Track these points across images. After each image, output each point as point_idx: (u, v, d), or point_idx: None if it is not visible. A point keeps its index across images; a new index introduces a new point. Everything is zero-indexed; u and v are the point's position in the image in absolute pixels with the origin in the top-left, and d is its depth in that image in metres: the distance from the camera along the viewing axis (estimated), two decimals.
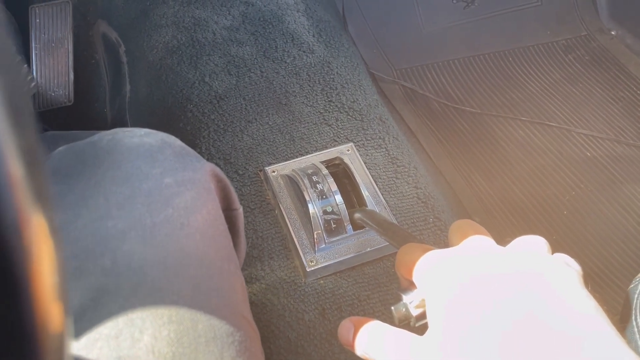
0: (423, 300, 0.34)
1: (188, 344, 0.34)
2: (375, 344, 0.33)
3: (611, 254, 0.99)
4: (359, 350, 0.34)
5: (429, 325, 0.30)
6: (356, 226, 0.71)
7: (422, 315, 0.34)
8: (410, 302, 0.34)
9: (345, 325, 0.34)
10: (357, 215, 0.63)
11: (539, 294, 0.25)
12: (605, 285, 0.95)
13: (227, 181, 0.49)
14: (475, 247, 0.31)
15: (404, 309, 0.34)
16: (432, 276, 0.30)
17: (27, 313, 0.11)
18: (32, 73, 0.64)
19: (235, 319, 0.38)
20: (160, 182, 0.41)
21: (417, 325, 0.35)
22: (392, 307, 0.35)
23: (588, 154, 1.14)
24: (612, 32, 1.37)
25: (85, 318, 0.34)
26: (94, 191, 0.40)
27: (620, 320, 0.57)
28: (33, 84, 0.62)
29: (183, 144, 0.47)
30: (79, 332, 0.34)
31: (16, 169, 0.10)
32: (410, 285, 0.35)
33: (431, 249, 0.32)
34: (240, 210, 0.52)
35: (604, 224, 1.03)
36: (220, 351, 0.35)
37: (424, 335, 0.32)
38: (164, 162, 0.42)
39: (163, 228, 0.39)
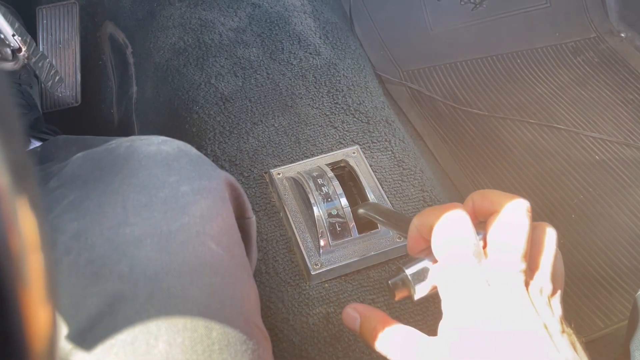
0: (425, 269, 0.34)
1: (202, 352, 0.34)
2: (382, 340, 0.34)
3: (619, 259, 0.98)
4: (364, 340, 0.35)
5: (444, 322, 0.31)
6: (361, 229, 0.70)
7: (424, 290, 0.35)
8: (412, 272, 0.34)
9: (351, 314, 0.35)
10: (360, 210, 0.63)
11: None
12: (613, 290, 0.94)
13: (241, 190, 0.50)
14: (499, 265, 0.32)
15: (402, 282, 0.34)
16: (453, 278, 0.32)
17: (15, 318, 0.11)
18: (55, 67, 0.64)
19: (249, 327, 0.38)
20: (177, 190, 0.41)
21: (417, 299, 0.35)
22: (390, 281, 0.35)
23: (596, 157, 1.13)
24: (622, 34, 1.36)
25: (101, 324, 0.34)
26: (111, 198, 0.40)
27: (629, 326, 0.56)
28: (58, 77, 0.63)
29: (199, 153, 0.47)
30: (95, 338, 0.34)
31: (2, 178, 0.10)
32: (420, 253, 0.35)
33: (452, 209, 0.32)
34: (254, 219, 0.52)
35: (613, 227, 1.02)
36: (233, 359, 0.35)
37: (434, 337, 0.33)
38: (180, 171, 0.43)
39: (179, 236, 0.39)
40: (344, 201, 0.70)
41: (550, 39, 1.35)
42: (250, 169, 0.79)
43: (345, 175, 0.76)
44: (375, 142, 0.83)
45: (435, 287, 0.35)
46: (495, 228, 0.32)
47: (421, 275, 0.34)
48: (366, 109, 0.88)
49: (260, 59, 0.93)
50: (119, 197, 0.40)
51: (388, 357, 0.33)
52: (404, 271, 0.34)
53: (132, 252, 0.37)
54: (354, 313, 0.35)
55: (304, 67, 0.92)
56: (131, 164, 0.42)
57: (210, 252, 0.40)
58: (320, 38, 0.98)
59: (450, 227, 0.32)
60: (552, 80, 1.27)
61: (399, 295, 0.35)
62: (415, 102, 1.22)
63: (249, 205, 0.51)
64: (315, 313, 0.67)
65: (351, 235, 0.70)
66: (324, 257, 0.70)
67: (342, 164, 0.78)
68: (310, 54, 0.95)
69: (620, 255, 0.98)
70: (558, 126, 1.17)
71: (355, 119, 0.86)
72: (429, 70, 1.27)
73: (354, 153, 0.81)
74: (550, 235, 0.34)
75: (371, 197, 0.73)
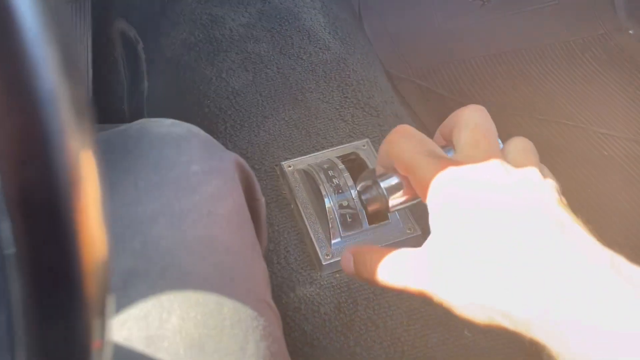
0: (399, 183, 0.35)
1: (214, 326, 0.35)
2: (379, 270, 0.33)
3: (629, 256, 0.98)
4: (361, 278, 0.34)
5: (432, 235, 0.30)
6: (372, 220, 0.71)
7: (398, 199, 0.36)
8: (387, 186, 0.35)
9: (346, 256, 0.35)
10: (360, 184, 0.63)
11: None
12: None
13: (251, 172, 0.50)
14: (491, 173, 0.30)
15: (377, 192, 0.35)
16: (451, 208, 0.30)
17: (75, 257, 0.12)
18: None
19: (259, 304, 0.39)
20: (188, 169, 0.42)
21: (392, 210, 0.37)
22: (363, 196, 0.36)
23: (605, 153, 1.13)
24: (630, 31, 1.36)
25: (115, 299, 0.35)
26: (123, 178, 0.41)
27: None
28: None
29: (208, 135, 0.48)
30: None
31: (68, 116, 0.11)
32: (390, 171, 0.36)
33: (442, 161, 0.31)
34: (263, 200, 0.53)
35: (622, 223, 1.02)
36: (244, 334, 0.36)
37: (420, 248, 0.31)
38: (190, 151, 0.43)
39: (190, 214, 0.39)
40: (354, 193, 0.71)
41: (558, 36, 1.35)
42: (261, 162, 0.80)
43: (356, 168, 0.76)
44: (385, 136, 0.84)
45: (406, 200, 0.37)
46: (456, 133, 0.34)
47: (394, 188, 0.36)
48: (376, 103, 0.88)
49: (271, 53, 0.94)
50: (131, 176, 0.41)
51: (390, 284, 0.32)
52: (379, 184, 0.36)
53: (145, 230, 0.38)
54: (348, 254, 0.35)
55: (314, 61, 0.93)
56: (142, 145, 0.43)
57: (221, 231, 0.40)
58: (329, 33, 0.99)
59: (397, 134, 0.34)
60: (560, 76, 1.27)
61: (372, 208, 0.37)
62: (423, 99, 1.22)
63: (258, 187, 0.52)
64: (326, 302, 0.67)
65: (362, 227, 0.71)
66: (334, 247, 0.70)
67: (352, 157, 0.78)
68: (320, 48, 0.95)
69: (630, 252, 0.98)
70: (567, 122, 1.17)
71: (365, 113, 0.87)
72: (438, 67, 1.28)
73: (364, 146, 0.81)
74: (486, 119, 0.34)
75: None
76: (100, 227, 0.13)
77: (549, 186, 0.30)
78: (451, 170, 0.30)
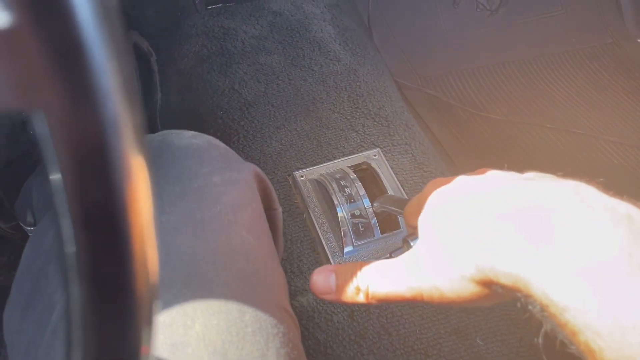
0: None
1: (236, 333, 0.35)
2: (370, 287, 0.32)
3: None
4: (345, 300, 0.33)
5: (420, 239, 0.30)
6: (384, 229, 0.71)
7: None
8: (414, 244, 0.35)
9: (324, 274, 0.33)
10: (375, 204, 0.64)
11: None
12: None
13: (269, 182, 0.51)
14: (490, 179, 0.30)
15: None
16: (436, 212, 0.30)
17: (130, 260, 0.13)
18: None
19: (279, 311, 0.39)
20: (209, 180, 0.43)
21: None
22: (392, 254, 0.36)
23: (615, 161, 1.14)
24: (638, 40, 1.36)
25: None
26: None
27: None
28: None
29: (227, 146, 0.49)
30: None
31: (129, 140, 0.12)
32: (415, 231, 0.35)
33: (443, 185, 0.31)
34: (280, 210, 0.54)
35: None
36: (265, 341, 0.36)
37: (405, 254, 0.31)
38: (211, 162, 0.44)
39: (212, 224, 0.40)
40: (366, 202, 0.71)
41: (566, 45, 1.35)
42: (274, 172, 0.81)
43: (367, 177, 0.77)
44: (395, 145, 0.85)
45: None
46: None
47: None
48: (386, 113, 0.89)
49: (282, 65, 0.95)
50: (155, 187, 0.42)
51: (380, 292, 0.31)
52: (409, 243, 0.36)
53: (169, 240, 0.39)
54: (327, 272, 0.33)
55: (325, 72, 0.94)
56: (165, 157, 0.44)
57: (241, 240, 0.41)
58: (339, 45, 1.00)
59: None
60: (569, 85, 1.28)
61: None
62: (432, 108, 1.23)
63: (275, 197, 0.53)
64: (339, 311, 0.68)
65: (374, 236, 0.72)
66: (347, 256, 0.71)
67: (363, 166, 0.79)
68: (331, 60, 0.97)
69: None
70: (576, 131, 1.17)
71: (375, 123, 0.88)
72: (446, 76, 1.29)
73: (375, 156, 0.82)
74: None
75: None
76: (151, 240, 0.14)
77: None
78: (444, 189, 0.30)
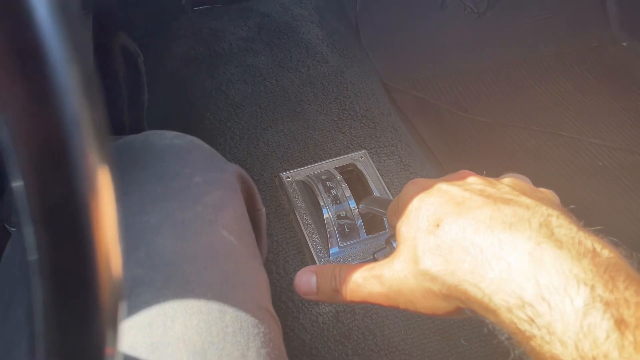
0: None
1: (216, 334, 0.35)
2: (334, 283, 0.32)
3: None
4: (328, 298, 0.33)
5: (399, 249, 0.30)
6: (370, 230, 0.72)
7: None
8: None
9: (305, 275, 0.34)
10: (361, 205, 0.64)
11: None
12: None
13: (252, 182, 0.52)
14: (469, 182, 0.30)
15: (390, 252, 0.35)
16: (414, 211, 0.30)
17: (92, 261, 0.13)
18: None
19: (260, 312, 0.40)
20: (190, 181, 0.43)
21: None
22: (376, 254, 0.36)
23: (600, 163, 1.15)
24: (624, 43, 1.38)
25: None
26: (128, 188, 0.42)
27: None
28: None
29: (210, 147, 0.49)
30: None
31: (88, 136, 0.12)
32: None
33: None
34: (263, 210, 0.54)
35: (616, 233, 1.03)
36: (246, 342, 0.36)
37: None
38: (193, 163, 0.45)
39: (193, 224, 0.40)
40: (352, 203, 0.72)
41: (553, 48, 1.37)
42: (260, 173, 0.81)
43: (353, 179, 0.78)
44: (382, 147, 0.85)
45: None
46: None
47: None
48: (373, 115, 0.90)
49: (269, 66, 0.95)
50: (136, 187, 0.42)
51: (359, 294, 0.32)
52: (392, 245, 0.36)
53: (149, 239, 0.39)
54: (308, 273, 0.33)
55: (312, 74, 0.95)
56: (147, 157, 0.44)
57: (222, 240, 0.41)
58: (327, 46, 1.01)
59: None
60: (555, 88, 1.29)
61: None
62: (419, 110, 1.24)
63: (259, 198, 0.53)
64: (324, 312, 0.68)
65: (360, 237, 0.72)
66: (333, 257, 0.71)
67: (350, 168, 0.80)
68: (318, 62, 0.97)
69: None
70: (561, 133, 1.19)
71: (362, 125, 0.88)
72: (434, 79, 1.30)
73: (361, 157, 0.83)
74: None
75: None
76: (115, 239, 0.14)
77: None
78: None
